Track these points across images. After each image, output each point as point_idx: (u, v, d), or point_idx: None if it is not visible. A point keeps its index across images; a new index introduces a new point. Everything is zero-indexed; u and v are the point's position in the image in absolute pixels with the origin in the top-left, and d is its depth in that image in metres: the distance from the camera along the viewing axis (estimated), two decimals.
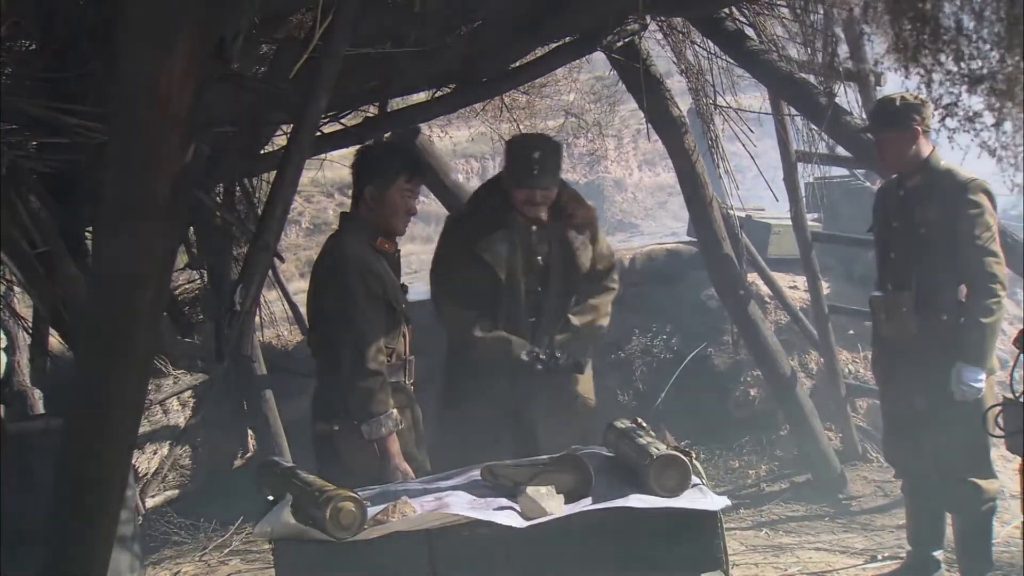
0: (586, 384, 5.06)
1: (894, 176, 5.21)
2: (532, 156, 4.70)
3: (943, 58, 2.20)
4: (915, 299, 4.94)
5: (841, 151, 6.60)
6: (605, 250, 5.13)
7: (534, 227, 4.83)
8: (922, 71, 2.26)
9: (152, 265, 2.52)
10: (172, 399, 7.57)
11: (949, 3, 2.19)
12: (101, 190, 2.57)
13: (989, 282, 4.78)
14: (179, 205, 2.47)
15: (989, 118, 2.21)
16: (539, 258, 4.85)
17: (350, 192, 4.61)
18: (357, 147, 4.65)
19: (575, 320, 4.93)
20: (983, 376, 4.80)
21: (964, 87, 2.22)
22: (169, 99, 2.30)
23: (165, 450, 7.61)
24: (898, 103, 4.90)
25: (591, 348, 5.10)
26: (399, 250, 4.52)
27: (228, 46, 2.57)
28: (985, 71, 2.15)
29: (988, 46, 2.14)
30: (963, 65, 2.18)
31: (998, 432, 4.44)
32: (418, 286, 5.80)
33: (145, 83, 2.33)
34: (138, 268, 2.52)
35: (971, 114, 2.25)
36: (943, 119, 2.35)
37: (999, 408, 4.46)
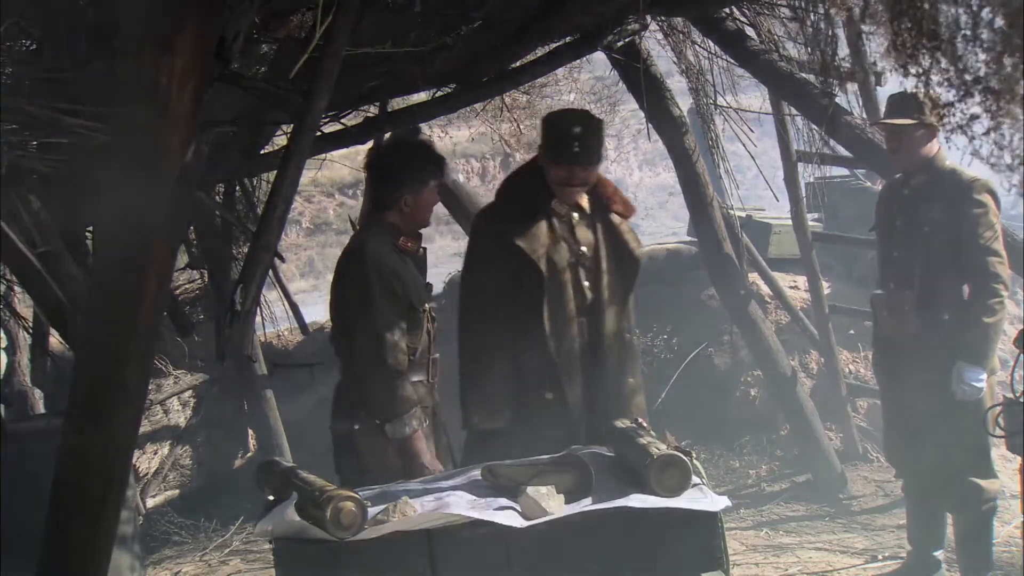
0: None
1: (898, 175, 5.20)
2: (572, 131, 4.31)
3: (940, 58, 2.21)
4: (917, 298, 4.94)
5: (841, 151, 6.60)
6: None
7: (575, 214, 4.44)
8: (919, 71, 2.26)
9: (153, 265, 2.52)
10: (173, 399, 7.60)
11: (947, 4, 2.19)
12: (101, 190, 2.57)
13: (992, 282, 4.78)
14: (179, 205, 2.47)
15: (985, 120, 2.21)
16: (584, 248, 4.42)
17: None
18: (377, 149, 4.64)
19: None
20: (984, 376, 4.80)
21: (961, 88, 2.22)
22: (169, 99, 2.30)
23: (166, 450, 7.63)
24: (921, 96, 4.86)
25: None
26: (425, 248, 4.50)
27: (228, 46, 2.57)
28: (982, 72, 2.15)
29: (985, 48, 2.14)
30: (960, 66, 2.18)
31: (998, 432, 4.45)
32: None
33: (145, 83, 2.33)
34: (139, 268, 2.52)
35: (968, 116, 2.25)
36: (940, 119, 2.35)
37: (999, 408, 4.47)
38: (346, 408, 4.33)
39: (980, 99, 2.17)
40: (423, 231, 4.52)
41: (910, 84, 2.38)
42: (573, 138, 4.29)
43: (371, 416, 4.19)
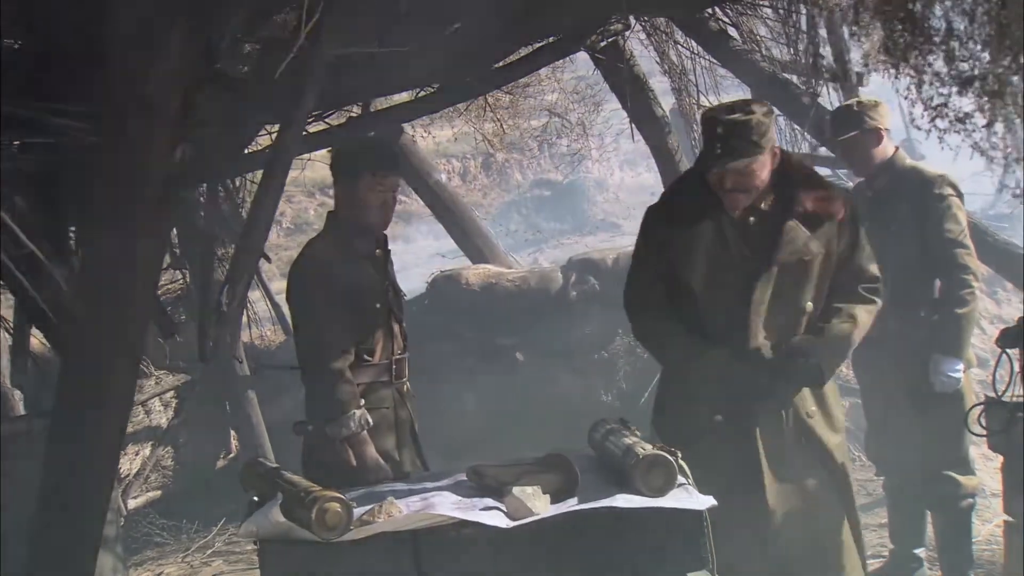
0: (831, 431, 4.04)
1: (861, 179, 5.24)
2: (714, 131, 3.80)
3: (933, 59, 2.22)
4: (891, 296, 4.96)
5: (824, 151, 6.64)
6: (849, 251, 4.06)
7: (751, 218, 3.91)
8: (912, 72, 2.27)
9: (141, 265, 2.51)
10: (154, 400, 7.56)
11: (940, 4, 2.20)
12: (88, 190, 2.56)
13: (962, 273, 4.81)
14: (167, 206, 2.46)
15: (979, 119, 2.22)
16: (750, 254, 3.90)
17: (331, 192, 4.57)
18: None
19: (827, 324, 3.97)
20: (961, 366, 4.83)
21: (954, 88, 2.23)
22: (159, 99, 2.29)
23: (147, 451, 7.60)
24: (855, 107, 4.97)
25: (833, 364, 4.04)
26: (388, 250, 4.42)
27: (216, 47, 2.55)
28: (976, 72, 2.16)
29: (979, 47, 2.15)
30: (954, 66, 2.20)
31: (980, 431, 4.47)
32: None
33: (135, 84, 2.32)
34: (127, 268, 2.51)
35: (961, 115, 2.26)
36: (933, 119, 2.36)
37: (981, 407, 4.49)
38: (306, 409, 4.32)
39: (974, 98, 2.18)
40: (388, 233, 4.46)
41: (901, 85, 2.40)
42: (715, 139, 3.80)
43: (313, 418, 4.19)
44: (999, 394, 4.46)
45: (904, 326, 4.95)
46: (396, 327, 4.37)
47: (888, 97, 5.08)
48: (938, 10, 2.20)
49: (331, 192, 4.56)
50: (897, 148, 5.01)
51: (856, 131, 4.94)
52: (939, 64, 2.23)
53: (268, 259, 3.16)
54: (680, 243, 3.92)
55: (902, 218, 4.91)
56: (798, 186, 3.96)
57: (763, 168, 3.87)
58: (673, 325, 4.02)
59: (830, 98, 6.18)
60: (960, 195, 4.91)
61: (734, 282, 3.89)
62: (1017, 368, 4.48)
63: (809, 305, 3.97)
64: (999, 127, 2.15)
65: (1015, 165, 2.19)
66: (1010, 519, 4.50)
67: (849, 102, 5.04)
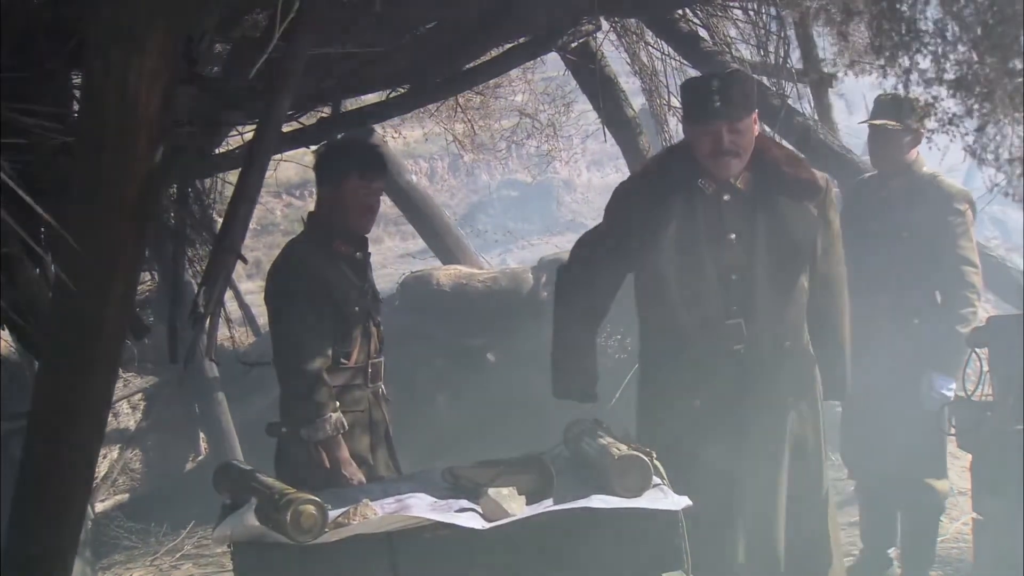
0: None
1: (869, 175, 5.19)
2: (710, 84, 3.72)
3: (920, 59, 2.22)
4: (889, 301, 4.91)
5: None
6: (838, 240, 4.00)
7: (725, 196, 3.79)
8: (899, 71, 2.28)
9: (121, 266, 2.49)
10: (122, 402, 7.51)
11: (930, 5, 2.21)
12: (63, 190, 2.53)
13: (968, 291, 4.76)
14: (147, 206, 2.45)
15: (968, 119, 2.23)
16: (732, 235, 3.78)
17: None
18: (314, 147, 4.58)
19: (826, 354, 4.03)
20: (953, 385, 4.75)
21: (943, 88, 2.24)
22: (138, 99, 2.27)
23: (115, 454, 7.55)
24: (914, 102, 4.85)
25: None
26: (368, 253, 4.41)
27: (195, 46, 2.54)
28: (967, 73, 2.17)
29: (968, 48, 2.16)
30: (942, 67, 2.20)
31: (951, 430, 4.50)
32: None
33: (114, 82, 2.30)
34: (107, 269, 2.49)
35: (951, 116, 2.27)
36: (922, 119, 2.36)
37: (950, 406, 4.52)
38: (280, 412, 4.30)
39: (962, 100, 2.18)
40: (368, 235, 4.44)
41: (889, 84, 2.41)
42: (711, 92, 3.69)
43: (287, 420, 4.17)
44: (968, 393, 4.49)
45: (897, 332, 4.89)
46: (373, 330, 4.36)
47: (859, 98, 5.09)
48: (929, 12, 2.20)
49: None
50: (919, 153, 4.95)
51: (904, 125, 4.82)
52: (927, 64, 2.24)
53: (245, 260, 3.14)
54: (652, 218, 3.80)
55: (915, 226, 4.83)
56: (780, 164, 3.87)
57: (753, 132, 3.79)
58: (582, 317, 4.03)
59: (799, 99, 6.21)
60: (975, 211, 4.88)
61: (710, 264, 3.78)
62: (986, 367, 4.52)
63: (803, 287, 3.88)
64: (990, 129, 2.16)
65: (1008, 166, 2.21)
66: (979, 517, 4.54)
67: (910, 95, 4.89)
